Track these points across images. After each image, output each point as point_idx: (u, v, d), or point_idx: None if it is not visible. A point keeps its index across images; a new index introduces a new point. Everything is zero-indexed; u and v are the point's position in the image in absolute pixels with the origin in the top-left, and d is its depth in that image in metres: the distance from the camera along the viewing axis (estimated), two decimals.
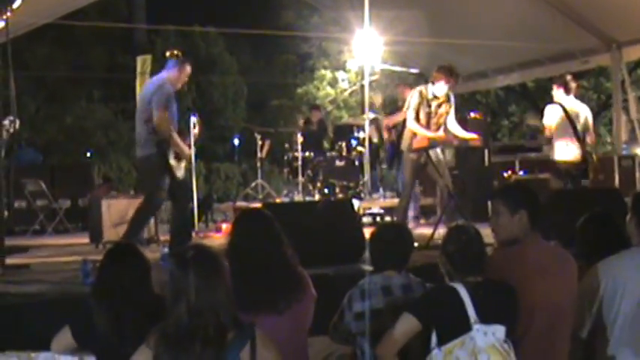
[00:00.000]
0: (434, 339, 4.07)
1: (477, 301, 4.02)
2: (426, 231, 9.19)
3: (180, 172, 8.15)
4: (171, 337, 3.31)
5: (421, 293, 4.47)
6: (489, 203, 4.87)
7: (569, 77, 9.82)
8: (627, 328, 4.29)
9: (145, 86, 8.17)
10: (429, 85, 9.38)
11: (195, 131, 8.90)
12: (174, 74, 8.16)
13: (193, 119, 9.42)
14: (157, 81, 8.12)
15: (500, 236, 4.69)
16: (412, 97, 9.36)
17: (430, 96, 9.31)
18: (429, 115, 9.32)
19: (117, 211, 9.74)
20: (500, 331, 3.98)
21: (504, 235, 4.63)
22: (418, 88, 9.46)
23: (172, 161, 7.96)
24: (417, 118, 9.28)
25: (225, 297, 3.41)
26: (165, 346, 3.30)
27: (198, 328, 3.30)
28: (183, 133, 8.84)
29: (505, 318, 4.04)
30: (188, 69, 8.28)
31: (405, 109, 9.45)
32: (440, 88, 9.28)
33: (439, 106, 9.37)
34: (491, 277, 4.30)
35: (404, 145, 9.56)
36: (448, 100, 9.48)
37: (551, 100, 9.80)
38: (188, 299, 3.32)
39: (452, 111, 9.56)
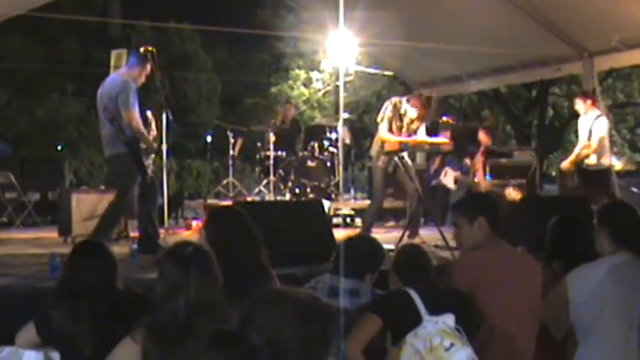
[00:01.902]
0: (389, 339, 4.23)
1: (426, 300, 4.21)
2: (396, 234, 9.24)
3: (150, 167, 8.19)
4: (162, 332, 3.30)
5: (375, 297, 4.61)
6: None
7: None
8: (592, 333, 4.36)
9: (106, 83, 8.10)
10: (404, 100, 9.38)
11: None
12: (135, 72, 8.14)
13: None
14: (120, 78, 8.07)
15: (464, 245, 4.84)
16: (386, 109, 9.33)
17: (402, 111, 9.31)
18: (400, 129, 9.32)
19: (87, 206, 9.71)
20: (449, 318, 4.13)
21: (468, 243, 4.77)
22: (392, 100, 9.44)
23: (143, 158, 7.97)
24: (390, 130, 9.29)
25: (220, 295, 3.43)
26: (155, 340, 3.28)
27: (193, 325, 3.31)
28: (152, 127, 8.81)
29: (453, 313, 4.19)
30: (148, 68, 8.25)
31: (379, 119, 9.41)
32: (413, 112, 9.29)
33: (411, 122, 9.38)
34: (455, 280, 4.56)
35: (373, 151, 9.55)
36: (420, 120, 9.50)
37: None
38: (187, 295, 3.32)
39: (422, 127, 9.59)
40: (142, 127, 7.93)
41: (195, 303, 3.31)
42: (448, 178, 11.06)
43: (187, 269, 3.37)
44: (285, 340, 2.61)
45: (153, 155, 8.39)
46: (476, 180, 11.56)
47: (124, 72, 8.22)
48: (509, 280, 4.57)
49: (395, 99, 9.45)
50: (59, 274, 5.77)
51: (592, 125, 10.51)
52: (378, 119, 9.39)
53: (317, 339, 2.66)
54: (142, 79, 8.26)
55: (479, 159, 11.84)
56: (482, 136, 11.99)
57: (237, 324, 2.72)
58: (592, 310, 4.36)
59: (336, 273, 4.75)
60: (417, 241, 8.92)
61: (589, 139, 10.49)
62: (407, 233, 8.84)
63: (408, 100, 9.32)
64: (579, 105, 10.90)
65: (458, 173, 11.59)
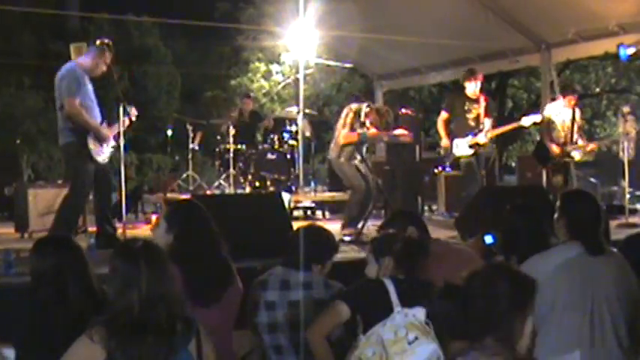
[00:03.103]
0: (360, 327, 4.27)
1: (400, 292, 4.27)
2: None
3: (102, 157, 8.06)
4: (122, 329, 3.27)
5: (353, 284, 4.64)
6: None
7: None
8: (546, 322, 4.39)
9: (58, 73, 8.07)
10: (364, 106, 9.38)
11: (125, 119, 8.73)
12: (87, 61, 8.10)
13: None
14: (68, 66, 8.05)
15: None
16: (347, 116, 9.32)
17: (362, 117, 9.31)
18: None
19: (44, 201, 9.62)
20: (420, 312, 4.16)
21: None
22: (352, 107, 9.41)
23: (92, 146, 7.86)
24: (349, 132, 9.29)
25: (175, 288, 3.42)
26: (116, 338, 3.25)
27: (150, 318, 3.28)
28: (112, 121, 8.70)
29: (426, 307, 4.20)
30: (107, 59, 8.18)
31: (341, 125, 9.38)
32: (369, 120, 9.32)
33: (370, 126, 9.40)
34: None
35: (332, 154, 9.51)
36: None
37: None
38: (139, 289, 3.30)
39: None
40: (84, 115, 7.83)
41: (148, 296, 3.29)
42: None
43: (137, 263, 3.36)
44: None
45: (110, 145, 8.26)
46: None
47: (77, 61, 8.16)
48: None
49: (354, 106, 9.44)
50: (14, 269, 5.77)
51: (574, 116, 10.95)
52: (339, 126, 9.37)
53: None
54: (99, 71, 8.19)
55: None
56: None
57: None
58: (544, 301, 4.38)
59: (288, 265, 4.76)
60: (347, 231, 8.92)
61: (572, 129, 10.94)
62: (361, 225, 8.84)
63: (367, 107, 9.35)
64: (560, 100, 11.18)
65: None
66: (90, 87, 8.06)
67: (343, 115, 9.42)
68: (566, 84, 12.57)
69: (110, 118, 8.47)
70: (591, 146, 11.22)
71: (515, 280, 3.08)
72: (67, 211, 8.00)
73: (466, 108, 10.49)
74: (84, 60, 8.13)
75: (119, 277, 3.39)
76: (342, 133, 9.27)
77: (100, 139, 7.99)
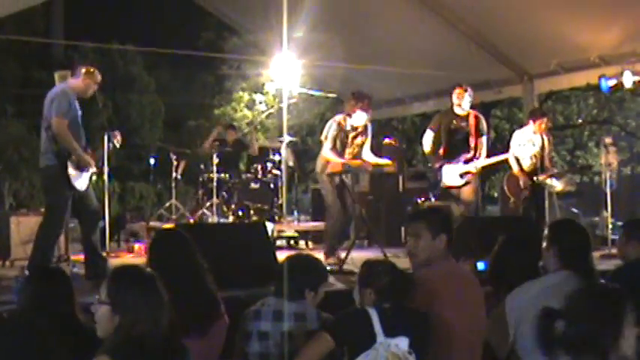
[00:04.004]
0: (345, 358, 4.26)
1: (385, 321, 4.24)
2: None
3: (81, 184, 7.96)
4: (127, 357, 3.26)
5: (333, 316, 4.56)
6: (406, 227, 5.00)
7: None
8: (531, 353, 4.40)
9: (48, 93, 8.04)
10: (347, 117, 9.37)
11: (114, 142, 8.68)
12: (77, 82, 8.09)
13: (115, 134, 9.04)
14: (60, 87, 8.05)
15: (418, 258, 4.80)
16: (330, 128, 9.33)
17: (348, 127, 9.32)
18: (344, 146, 9.33)
19: (26, 229, 9.58)
20: (403, 342, 4.20)
21: (423, 256, 4.75)
22: (337, 119, 9.42)
23: (72, 171, 7.79)
24: (334, 148, 9.27)
25: (172, 315, 3.41)
26: None
27: (154, 345, 3.30)
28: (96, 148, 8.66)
29: (411, 336, 4.24)
30: (98, 77, 8.17)
31: (323, 138, 9.39)
32: (358, 118, 9.27)
33: (355, 137, 9.39)
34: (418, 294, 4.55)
35: (318, 167, 9.53)
36: (365, 130, 9.49)
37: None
38: (144, 316, 3.31)
39: (368, 142, 9.60)
40: (69, 137, 7.77)
41: (152, 323, 3.29)
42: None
43: (136, 291, 3.35)
44: None
45: (90, 172, 8.19)
46: None
47: (68, 83, 8.15)
48: (463, 300, 4.67)
49: (339, 117, 9.43)
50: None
51: (544, 143, 10.86)
52: (322, 137, 9.39)
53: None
54: (91, 91, 8.18)
55: None
56: None
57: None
58: (527, 330, 4.39)
59: (279, 295, 4.74)
60: (331, 260, 8.91)
61: (542, 156, 10.91)
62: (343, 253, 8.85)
63: (349, 115, 9.30)
64: (530, 125, 11.04)
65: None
66: (79, 112, 8.03)
67: (327, 127, 9.44)
68: (535, 108, 12.51)
69: (93, 145, 8.44)
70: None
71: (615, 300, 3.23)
72: (42, 239, 7.87)
73: (452, 127, 10.32)
74: (74, 81, 8.10)
75: (123, 306, 3.36)
76: (324, 147, 9.30)
77: (81, 165, 7.92)
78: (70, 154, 7.78)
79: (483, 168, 10.47)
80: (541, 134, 10.89)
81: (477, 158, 10.21)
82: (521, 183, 10.87)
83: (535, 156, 10.91)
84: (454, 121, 10.31)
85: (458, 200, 10.23)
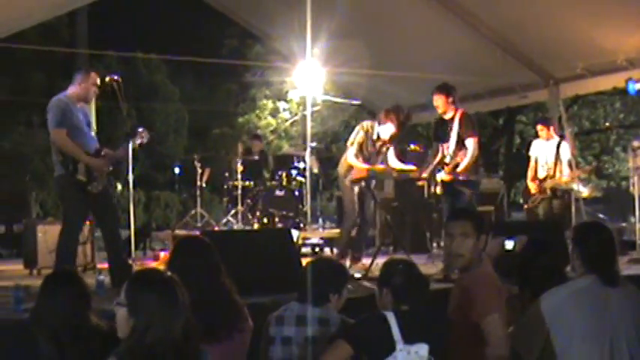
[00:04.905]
0: None
1: (403, 326, 4.16)
2: (364, 261, 9.20)
3: (94, 187, 7.85)
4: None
5: (353, 322, 4.51)
6: (448, 227, 4.92)
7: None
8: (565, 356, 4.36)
9: None
10: (376, 124, 9.31)
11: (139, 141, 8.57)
12: (74, 89, 8.02)
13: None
14: (53, 99, 7.99)
15: (463, 258, 4.74)
16: (357, 134, 9.27)
17: (375, 136, 9.26)
18: (370, 154, 9.26)
19: (53, 237, 9.55)
20: (423, 349, 4.13)
21: (469, 256, 4.70)
22: (364, 125, 9.38)
23: (82, 177, 7.75)
24: (358, 154, 9.20)
25: (191, 320, 3.39)
26: None
27: (170, 350, 3.26)
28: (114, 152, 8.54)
29: (429, 342, 4.17)
30: (93, 78, 8.06)
31: (349, 143, 9.34)
32: (386, 130, 9.16)
33: (382, 146, 9.34)
34: (462, 304, 4.60)
35: (341, 170, 9.47)
36: (392, 142, 9.43)
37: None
38: (160, 321, 3.28)
39: (392, 148, 9.55)
40: (70, 145, 7.72)
41: (168, 329, 3.27)
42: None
43: (156, 295, 3.33)
44: None
45: (106, 173, 8.08)
46: None
47: (67, 92, 8.06)
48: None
49: (367, 123, 9.35)
50: (24, 306, 5.73)
51: (559, 150, 10.75)
52: (349, 143, 9.34)
53: None
54: (91, 95, 8.12)
55: None
56: None
57: None
58: (562, 331, 4.35)
59: (302, 300, 4.71)
60: (359, 266, 8.85)
61: (556, 164, 10.92)
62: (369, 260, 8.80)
63: (386, 115, 9.21)
64: (543, 131, 11.10)
65: None
66: (81, 116, 7.95)
67: (354, 132, 9.38)
68: (540, 116, 12.51)
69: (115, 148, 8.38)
70: (565, 179, 11.06)
71: None
72: (61, 247, 7.87)
73: (443, 134, 9.67)
74: (72, 89, 8.02)
75: (139, 309, 3.34)
76: (348, 152, 9.25)
77: (91, 169, 7.84)
78: (76, 161, 7.79)
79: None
80: (548, 139, 11.14)
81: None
82: (531, 189, 11.18)
83: (547, 163, 11.07)
84: (445, 128, 9.65)
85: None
